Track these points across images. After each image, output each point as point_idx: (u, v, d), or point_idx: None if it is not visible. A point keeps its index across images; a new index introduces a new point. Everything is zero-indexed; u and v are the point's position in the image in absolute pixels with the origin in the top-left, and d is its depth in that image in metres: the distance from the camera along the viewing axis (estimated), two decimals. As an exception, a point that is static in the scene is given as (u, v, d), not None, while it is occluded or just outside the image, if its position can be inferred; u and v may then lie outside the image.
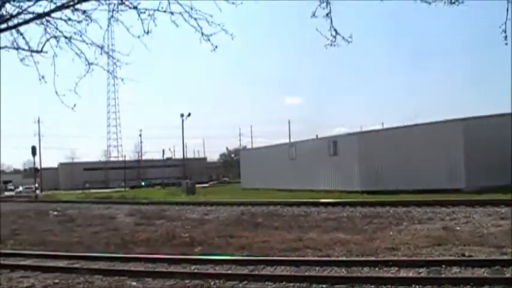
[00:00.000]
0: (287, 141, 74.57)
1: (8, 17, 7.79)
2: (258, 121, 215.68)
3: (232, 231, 20.52)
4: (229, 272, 12.63)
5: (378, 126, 66.95)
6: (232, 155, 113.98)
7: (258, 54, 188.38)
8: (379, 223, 20.78)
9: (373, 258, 13.26)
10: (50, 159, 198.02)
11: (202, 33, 8.07)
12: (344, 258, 13.52)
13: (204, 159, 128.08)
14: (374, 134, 46.32)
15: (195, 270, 13.05)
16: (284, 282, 11.18)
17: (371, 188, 39.81)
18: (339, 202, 29.28)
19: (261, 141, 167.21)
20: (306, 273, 11.91)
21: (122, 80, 9.74)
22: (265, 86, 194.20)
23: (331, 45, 7.73)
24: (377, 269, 11.97)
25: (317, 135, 59.94)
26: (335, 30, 7.63)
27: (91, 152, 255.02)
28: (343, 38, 7.71)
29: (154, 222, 25.50)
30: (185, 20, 8.01)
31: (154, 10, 8.07)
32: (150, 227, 23.35)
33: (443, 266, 11.81)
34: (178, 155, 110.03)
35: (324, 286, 10.77)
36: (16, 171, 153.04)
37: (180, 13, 8.00)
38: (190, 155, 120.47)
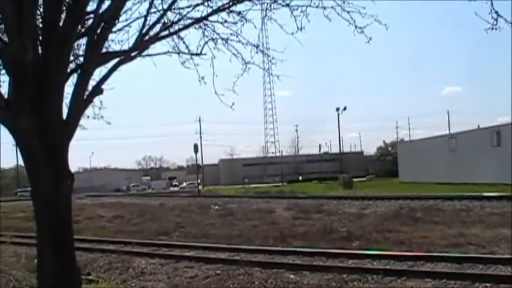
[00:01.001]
0: (447, 132, 71.75)
1: (169, 24, 8.21)
2: (415, 112, 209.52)
3: (391, 226, 20.15)
4: (388, 267, 12.44)
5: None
6: (390, 148, 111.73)
7: (413, 43, 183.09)
8: (551, 218, 19.35)
9: (543, 257, 12.37)
10: (210, 156, 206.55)
11: (356, 26, 8.00)
12: (510, 256, 12.73)
13: (361, 153, 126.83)
14: (542, 122, 43.09)
15: (353, 265, 12.98)
16: (444, 280, 10.78)
17: (539, 180, 37.11)
18: (504, 196, 27.77)
19: (419, 133, 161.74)
20: (468, 271, 11.41)
21: (278, 77, 9.91)
22: (422, 76, 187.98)
23: (492, 28, 7.29)
24: (548, 268, 11.18)
25: (478, 126, 57.07)
26: (496, 12, 7.19)
27: (249, 148, 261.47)
28: (506, 20, 7.23)
29: (312, 216, 25.66)
30: (338, 14, 7.98)
31: (307, 6, 8.13)
32: (308, 221, 23.53)
33: None
34: (335, 149, 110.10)
35: (487, 285, 10.24)
36: (180, 168, 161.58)
37: (332, 7, 8.00)
38: (346, 149, 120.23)
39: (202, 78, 8.97)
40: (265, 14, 8.63)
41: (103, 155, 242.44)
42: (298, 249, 15.63)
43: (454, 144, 51.11)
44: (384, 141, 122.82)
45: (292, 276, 12.25)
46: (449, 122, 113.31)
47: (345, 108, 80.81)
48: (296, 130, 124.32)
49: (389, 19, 8.17)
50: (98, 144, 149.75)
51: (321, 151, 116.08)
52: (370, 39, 8.16)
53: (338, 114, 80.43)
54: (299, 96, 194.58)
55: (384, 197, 33.74)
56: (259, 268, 13.26)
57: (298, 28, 8.25)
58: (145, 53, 8.39)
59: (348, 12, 7.91)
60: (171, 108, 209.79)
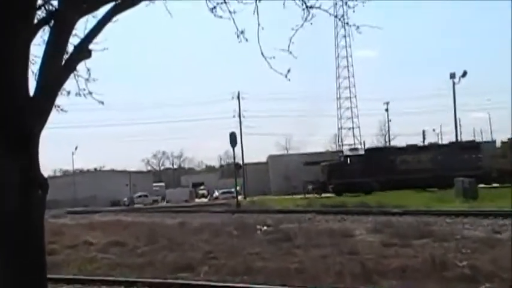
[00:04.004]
0: None
1: None
2: None
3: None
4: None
5: None
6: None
7: None
8: None
9: None
10: (255, 151, 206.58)
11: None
12: None
13: (493, 142, 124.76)
14: None
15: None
16: None
17: None
18: None
19: None
20: None
21: (357, 27, 9.58)
22: None
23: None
24: None
25: None
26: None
27: (314, 138, 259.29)
28: None
29: (412, 242, 25.50)
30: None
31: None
32: (406, 250, 23.42)
33: None
34: (447, 138, 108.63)
35: None
36: (210, 169, 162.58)
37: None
38: (467, 136, 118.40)
39: (242, 32, 8.90)
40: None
41: (93, 150, 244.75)
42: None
43: None
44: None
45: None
46: None
47: (464, 74, 79.58)
48: (386, 110, 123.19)
49: None
50: (85, 133, 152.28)
51: (426, 141, 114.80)
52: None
53: (453, 84, 79.40)
54: (390, 58, 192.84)
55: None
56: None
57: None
58: (154, -6, 8.38)
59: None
60: (196, 81, 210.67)
